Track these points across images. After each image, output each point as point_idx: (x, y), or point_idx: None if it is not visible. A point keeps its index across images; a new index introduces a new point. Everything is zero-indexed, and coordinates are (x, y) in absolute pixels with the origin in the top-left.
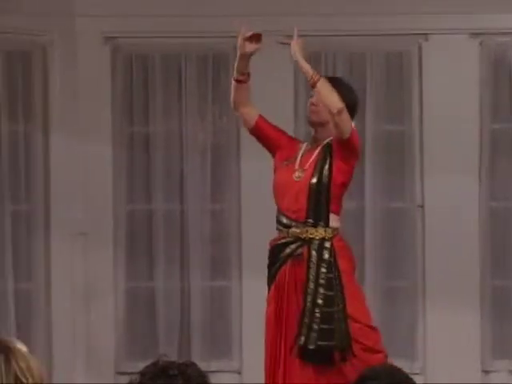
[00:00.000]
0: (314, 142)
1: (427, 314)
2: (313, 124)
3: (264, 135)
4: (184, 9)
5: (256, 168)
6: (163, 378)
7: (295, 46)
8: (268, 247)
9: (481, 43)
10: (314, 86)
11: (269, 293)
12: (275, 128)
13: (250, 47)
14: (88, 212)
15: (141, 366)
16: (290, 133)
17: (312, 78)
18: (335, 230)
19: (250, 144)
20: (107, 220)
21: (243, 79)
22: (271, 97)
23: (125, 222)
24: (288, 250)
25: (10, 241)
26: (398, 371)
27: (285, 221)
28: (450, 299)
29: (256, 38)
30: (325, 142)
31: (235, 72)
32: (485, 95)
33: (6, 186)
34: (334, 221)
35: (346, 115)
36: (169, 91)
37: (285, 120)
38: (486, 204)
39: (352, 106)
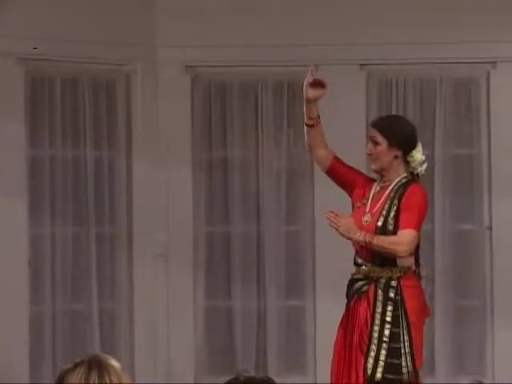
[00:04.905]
0: (383, 182)
1: (495, 332)
2: (376, 171)
3: (338, 177)
4: (260, 39)
5: (329, 191)
6: None
7: (342, 231)
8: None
9: None
10: (371, 247)
11: (341, 321)
12: (350, 169)
13: (313, 93)
14: (169, 234)
15: (219, 381)
16: (362, 156)
17: (366, 242)
18: (404, 269)
19: None
20: (187, 242)
21: (312, 123)
22: (343, 122)
23: (204, 243)
24: (356, 286)
25: (94, 262)
26: None
27: (358, 260)
28: None
29: (320, 83)
30: (394, 182)
31: (305, 116)
32: None
33: (90, 210)
34: (403, 261)
35: (410, 246)
36: (246, 118)
37: (356, 144)
38: None
39: (412, 137)
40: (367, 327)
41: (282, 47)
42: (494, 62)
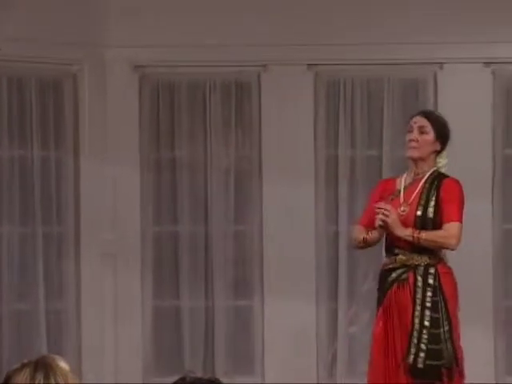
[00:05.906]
0: (415, 174)
1: None
2: (414, 160)
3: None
4: (209, 39)
5: (277, 191)
6: None
7: (390, 223)
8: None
9: (493, 72)
10: (419, 243)
11: (377, 314)
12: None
13: (381, 231)
14: (117, 234)
15: (167, 381)
16: (311, 157)
17: (413, 238)
18: (440, 256)
19: (271, 168)
20: (135, 241)
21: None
22: (292, 122)
23: (152, 243)
24: (394, 275)
25: (41, 262)
26: None
27: (394, 250)
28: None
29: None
30: (427, 174)
31: (369, 233)
32: (497, 122)
33: (38, 209)
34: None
35: (459, 238)
36: (194, 118)
37: (305, 144)
38: (499, 226)
39: (448, 135)
40: (408, 314)
41: (230, 47)
42: (441, 63)
